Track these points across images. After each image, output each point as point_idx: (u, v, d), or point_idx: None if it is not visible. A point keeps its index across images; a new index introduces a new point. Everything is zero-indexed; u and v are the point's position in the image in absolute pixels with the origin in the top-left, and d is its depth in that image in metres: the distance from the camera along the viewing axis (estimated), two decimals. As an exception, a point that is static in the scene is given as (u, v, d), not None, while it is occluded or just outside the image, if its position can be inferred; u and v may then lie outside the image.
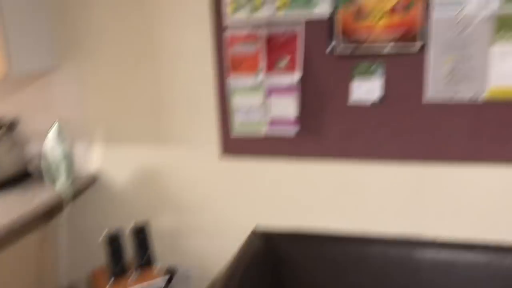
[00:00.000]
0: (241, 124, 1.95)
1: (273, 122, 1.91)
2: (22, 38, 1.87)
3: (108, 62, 2.06)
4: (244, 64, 1.88)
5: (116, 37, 2.02)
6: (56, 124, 1.95)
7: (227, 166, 2.03)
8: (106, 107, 2.11)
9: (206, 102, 1.99)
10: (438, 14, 1.67)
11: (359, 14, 1.73)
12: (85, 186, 2.05)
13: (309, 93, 1.85)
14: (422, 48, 1.71)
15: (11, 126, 2.18)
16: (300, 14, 1.79)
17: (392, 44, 1.72)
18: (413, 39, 1.70)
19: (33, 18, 1.94)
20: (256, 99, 1.90)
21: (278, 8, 1.80)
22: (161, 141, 2.08)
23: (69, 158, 1.95)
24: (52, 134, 1.94)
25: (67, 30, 2.06)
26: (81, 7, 2.02)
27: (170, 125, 2.06)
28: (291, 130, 1.89)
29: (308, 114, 1.87)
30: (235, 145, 1.99)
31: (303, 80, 1.84)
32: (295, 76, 1.83)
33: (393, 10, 1.70)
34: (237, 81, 1.91)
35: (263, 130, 1.92)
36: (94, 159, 2.17)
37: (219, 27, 1.88)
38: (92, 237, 2.26)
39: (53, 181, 1.99)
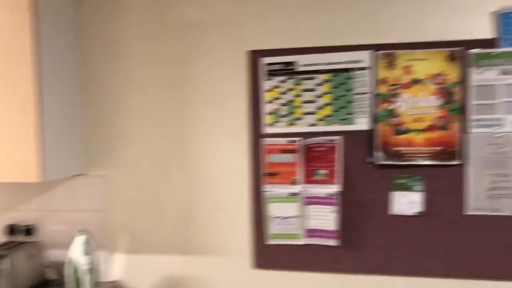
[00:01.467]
0: (277, 234, 1.89)
1: (311, 233, 1.86)
2: (58, 146, 1.84)
3: (137, 170, 2.03)
4: (281, 173, 1.87)
5: (148, 145, 2.01)
6: (83, 234, 1.87)
7: (260, 278, 1.94)
8: (131, 215, 2.05)
9: (240, 211, 1.94)
10: (475, 131, 1.71)
11: (399, 128, 1.76)
12: (106, 297, 1.93)
13: (349, 204, 1.82)
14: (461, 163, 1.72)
15: (29, 232, 2.10)
16: (339, 127, 1.81)
17: (431, 157, 1.74)
18: (452, 154, 1.72)
19: (68, 127, 1.93)
20: (293, 208, 1.87)
21: (317, 121, 1.83)
22: (189, 251, 2.00)
23: (94, 269, 1.85)
24: (78, 243, 1.86)
25: (98, 138, 2.05)
26: (115, 114, 2.03)
27: (200, 234, 1.99)
28: (330, 242, 1.83)
29: (348, 226, 1.83)
30: (269, 256, 1.91)
31: (342, 190, 1.82)
32: (334, 187, 1.81)
33: (430, 127, 1.74)
34: (273, 189, 1.88)
35: (300, 241, 1.87)
36: (116, 267, 2.06)
37: (256, 135, 1.89)
38: None
39: (77, 293, 1.87)
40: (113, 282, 2.05)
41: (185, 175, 1.99)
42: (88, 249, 1.86)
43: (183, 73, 1.96)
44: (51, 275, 2.05)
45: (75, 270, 1.87)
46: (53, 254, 2.09)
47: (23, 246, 1.91)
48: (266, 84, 1.87)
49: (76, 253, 1.85)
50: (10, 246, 1.89)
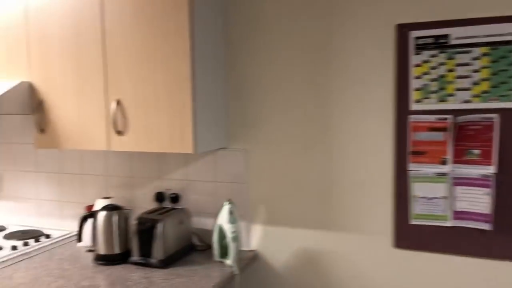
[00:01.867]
0: (421, 215, 1.83)
1: (459, 215, 1.77)
2: (207, 121, 1.95)
3: (276, 144, 2.08)
4: (428, 152, 1.80)
5: (288, 121, 2.05)
6: (229, 203, 1.97)
7: (401, 258, 1.90)
8: (270, 188, 2.11)
9: (382, 189, 1.91)
10: None
11: None
12: (246, 264, 2.02)
13: (505, 187, 1.71)
14: None
15: (175, 200, 2.25)
16: (497, 104, 1.69)
17: None
18: None
19: (215, 103, 2.03)
20: (440, 189, 1.79)
21: (472, 98, 1.72)
22: (327, 226, 2.02)
23: (238, 238, 1.94)
24: (224, 212, 1.96)
25: (240, 114, 2.13)
26: (256, 91, 2.08)
27: (338, 210, 1.99)
28: (481, 226, 1.74)
29: (502, 210, 1.71)
30: (411, 236, 1.86)
31: (497, 172, 1.71)
32: (490, 169, 1.70)
33: None
34: (419, 169, 1.82)
35: (447, 223, 1.79)
36: (254, 237, 2.15)
37: (402, 112, 1.83)
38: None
39: (223, 257, 1.99)
40: (251, 251, 2.14)
41: (325, 151, 1.99)
42: (233, 218, 1.96)
43: (327, 49, 1.95)
44: (195, 240, 2.20)
45: (222, 237, 1.99)
46: (195, 222, 2.24)
47: (174, 212, 2.06)
48: (415, 58, 1.80)
49: (222, 221, 1.96)
50: (162, 212, 2.05)
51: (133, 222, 2.00)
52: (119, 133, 1.96)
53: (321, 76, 1.97)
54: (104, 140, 2.00)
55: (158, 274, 1.87)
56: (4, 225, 2.63)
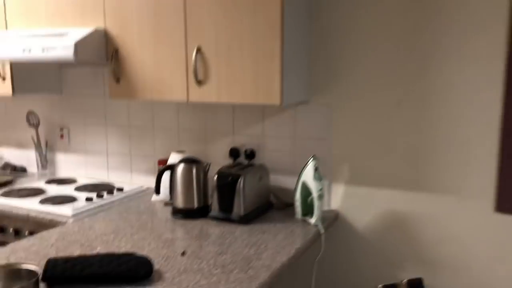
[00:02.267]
0: (530, 177, 1.67)
1: None
2: (292, 74, 1.82)
3: (362, 98, 1.93)
4: (544, 108, 1.61)
5: (376, 74, 1.89)
6: (314, 160, 1.86)
7: (503, 223, 1.75)
8: (354, 145, 1.98)
9: (485, 148, 1.74)
10: None
11: None
12: (328, 224, 1.92)
13: None
14: None
15: (250, 155, 2.16)
16: None
17: None
18: None
19: (299, 54, 1.89)
20: (556, 149, 1.61)
21: None
22: (417, 187, 1.88)
23: (324, 196, 1.84)
24: (310, 169, 1.85)
25: (323, 65, 1.98)
26: (342, 40, 1.93)
27: (431, 170, 1.85)
28: None
29: None
30: (517, 199, 1.71)
31: None
32: None
33: None
34: (531, 126, 1.64)
35: (562, 186, 1.62)
36: (336, 196, 2.04)
37: (515, 64, 1.64)
38: (334, 276, 2.12)
39: (306, 215, 1.89)
40: (332, 211, 2.04)
41: (420, 105, 1.84)
42: (319, 175, 1.85)
43: (427, -8, 1.77)
44: (272, 198, 2.11)
45: (305, 195, 1.89)
46: (271, 179, 2.15)
47: (253, 168, 1.96)
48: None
49: (307, 178, 1.86)
50: (242, 167, 1.96)
51: (213, 176, 1.93)
52: (199, 83, 1.87)
53: (420, 22, 1.79)
54: (183, 91, 1.91)
55: (241, 230, 1.80)
56: (74, 178, 2.62)
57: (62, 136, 2.69)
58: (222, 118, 2.24)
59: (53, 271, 1.31)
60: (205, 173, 1.98)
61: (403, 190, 1.91)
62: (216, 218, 1.91)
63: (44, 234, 1.75)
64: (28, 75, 2.43)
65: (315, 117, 2.04)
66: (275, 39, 1.70)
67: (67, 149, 2.70)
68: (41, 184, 2.48)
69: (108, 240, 1.69)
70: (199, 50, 1.84)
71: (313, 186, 1.83)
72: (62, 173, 2.73)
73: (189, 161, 1.96)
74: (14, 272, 1.25)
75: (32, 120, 2.68)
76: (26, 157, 2.85)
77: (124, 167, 2.54)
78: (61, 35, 1.97)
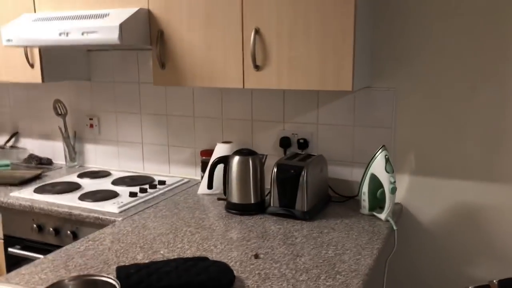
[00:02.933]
0: None
1: None
2: (361, 55, 1.66)
3: (431, 82, 1.78)
4: None
5: (447, 54, 1.73)
6: (384, 150, 1.71)
7: None
8: (421, 133, 1.83)
9: None
10: None
11: None
12: (397, 219, 1.79)
13: None
14: None
15: (303, 145, 2.01)
16: None
17: None
18: None
19: (365, 37, 1.73)
20: None
21: None
22: (493, 178, 1.74)
23: (396, 188, 1.70)
24: (379, 160, 1.71)
25: (387, 47, 1.83)
26: (407, 19, 1.77)
27: (506, 160, 1.71)
28: None
29: None
30: None
31: None
32: None
33: None
34: None
35: None
36: (400, 188, 1.90)
37: None
38: (404, 276, 2.00)
39: (373, 209, 1.76)
40: (397, 204, 1.90)
41: (498, 89, 1.69)
42: (390, 166, 1.71)
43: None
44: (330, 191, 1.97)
45: (374, 187, 1.75)
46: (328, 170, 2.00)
47: (313, 159, 1.81)
48: None
49: (377, 169, 1.71)
50: (300, 159, 1.81)
51: (271, 169, 1.78)
52: (258, 68, 1.70)
53: (501, -1, 1.63)
54: (239, 77, 1.75)
55: (307, 227, 1.66)
56: (107, 170, 2.47)
57: (91, 125, 2.52)
58: (270, 105, 2.08)
59: (128, 282, 1.17)
60: (262, 166, 1.83)
61: (477, 181, 1.78)
62: (276, 214, 1.77)
63: (96, 235, 1.60)
64: (56, 61, 2.25)
65: (378, 103, 1.88)
66: (347, 16, 1.54)
67: (97, 140, 2.54)
68: (73, 177, 2.33)
69: (169, 241, 1.55)
70: (257, 32, 1.68)
71: (384, 178, 1.69)
72: (92, 165, 2.58)
73: (244, 153, 1.81)
74: (90, 283, 1.11)
75: (60, 110, 2.51)
76: (51, 149, 2.68)
77: (161, 159, 2.38)
78: (102, 16, 1.80)
